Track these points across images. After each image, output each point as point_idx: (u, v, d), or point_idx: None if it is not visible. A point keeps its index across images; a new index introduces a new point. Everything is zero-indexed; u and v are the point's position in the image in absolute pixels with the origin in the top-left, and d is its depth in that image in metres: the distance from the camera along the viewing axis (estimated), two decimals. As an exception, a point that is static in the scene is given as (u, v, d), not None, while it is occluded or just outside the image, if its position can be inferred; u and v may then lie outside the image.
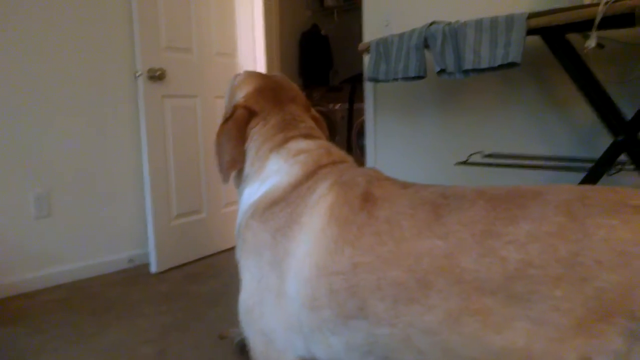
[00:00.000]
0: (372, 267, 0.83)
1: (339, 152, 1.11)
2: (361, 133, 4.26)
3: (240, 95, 1.18)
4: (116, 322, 2.33)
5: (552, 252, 0.74)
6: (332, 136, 5.05)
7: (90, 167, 3.03)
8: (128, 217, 3.21)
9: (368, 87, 3.04)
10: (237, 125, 1.12)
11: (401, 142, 2.96)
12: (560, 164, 2.15)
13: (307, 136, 1.12)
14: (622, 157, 1.81)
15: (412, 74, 2.18)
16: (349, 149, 4.85)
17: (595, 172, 1.82)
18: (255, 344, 0.97)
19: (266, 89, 1.18)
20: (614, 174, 1.90)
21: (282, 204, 0.98)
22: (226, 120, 1.14)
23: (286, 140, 1.10)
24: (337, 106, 5.03)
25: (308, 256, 0.89)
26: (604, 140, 1.81)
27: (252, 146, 1.12)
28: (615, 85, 2.13)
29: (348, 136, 4.87)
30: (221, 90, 3.48)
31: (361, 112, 3.60)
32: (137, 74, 2.96)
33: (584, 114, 1.92)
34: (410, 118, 2.90)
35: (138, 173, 3.20)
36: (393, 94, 2.95)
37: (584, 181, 1.83)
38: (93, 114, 3.01)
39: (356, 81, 4.69)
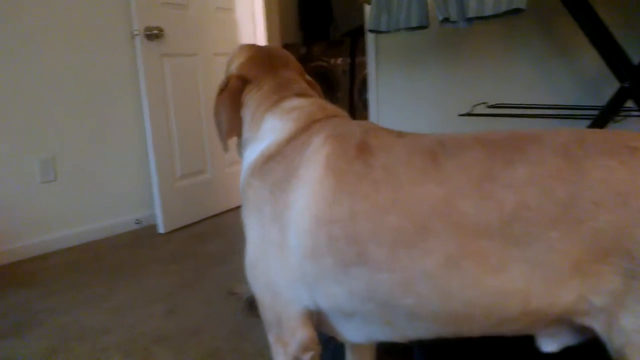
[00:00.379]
0: (370, 214, 0.83)
1: (332, 107, 1.11)
2: (364, 87, 4.21)
3: (234, 67, 1.20)
4: (126, 283, 2.37)
5: (549, 194, 0.74)
6: (333, 91, 5.00)
7: (94, 131, 3.02)
8: (133, 179, 3.22)
9: (370, 39, 2.98)
10: (232, 94, 1.13)
11: (404, 95, 2.92)
12: (566, 113, 2.12)
13: (301, 95, 1.12)
14: (630, 104, 1.79)
15: (414, 24, 2.13)
16: (351, 104, 4.81)
17: (601, 119, 1.80)
18: (263, 297, 0.99)
19: (259, 58, 1.19)
20: (619, 120, 1.87)
21: (278, 158, 0.99)
22: (221, 91, 1.16)
23: (280, 100, 1.10)
24: (339, 60, 4.96)
25: (307, 208, 0.90)
26: (610, 88, 1.78)
27: (248, 112, 1.13)
28: (622, 30, 2.07)
29: (350, 91, 4.81)
30: (221, 47, 3.43)
31: (363, 66, 3.54)
32: (135, 33, 2.90)
33: (590, 61, 1.87)
34: (414, 70, 2.85)
35: (141, 135, 3.19)
36: (395, 45, 2.89)
37: (589, 128, 1.80)
38: (93, 77, 2.97)
39: (357, 34, 4.60)
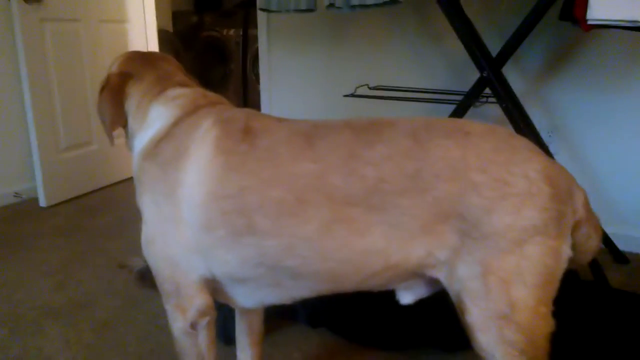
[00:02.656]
0: (256, 189, 0.96)
1: (214, 95, 1.20)
2: (256, 60, 4.25)
3: (114, 68, 1.24)
4: (10, 257, 2.30)
5: (400, 169, 0.91)
6: (226, 63, 4.97)
7: (-37, 98, 2.81)
8: (12, 150, 3.05)
9: (261, 16, 3.04)
10: (112, 89, 1.17)
11: (294, 73, 3.03)
12: (438, 97, 2.36)
13: (182, 85, 1.20)
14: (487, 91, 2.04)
15: (303, 6, 2.25)
16: (244, 77, 4.83)
17: (463, 105, 2.04)
18: (162, 269, 1.06)
19: (137, 56, 1.25)
20: (479, 106, 2.13)
21: (167, 139, 1.07)
22: (102, 88, 1.19)
23: (163, 90, 1.16)
24: (231, 32, 4.92)
25: (198, 184, 0.99)
26: (475, 75, 2.01)
27: (132, 103, 1.17)
28: (484, 22, 2.33)
29: (243, 64, 4.82)
30: (107, 14, 3.30)
31: (256, 38, 3.58)
32: (10, -5, 2.72)
33: (459, 49, 2.10)
34: (303, 49, 2.96)
35: (20, 104, 3.01)
36: (286, 24, 2.98)
37: (453, 113, 2.04)
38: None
39: (250, 6, 4.59)
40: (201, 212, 0.99)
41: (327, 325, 1.70)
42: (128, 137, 1.21)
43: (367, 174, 0.92)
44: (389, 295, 1.09)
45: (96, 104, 1.21)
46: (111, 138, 1.19)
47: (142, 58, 1.24)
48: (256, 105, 3.75)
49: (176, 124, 1.08)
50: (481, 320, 0.92)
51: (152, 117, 1.13)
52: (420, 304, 1.12)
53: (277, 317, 1.70)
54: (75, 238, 2.52)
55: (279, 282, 1.03)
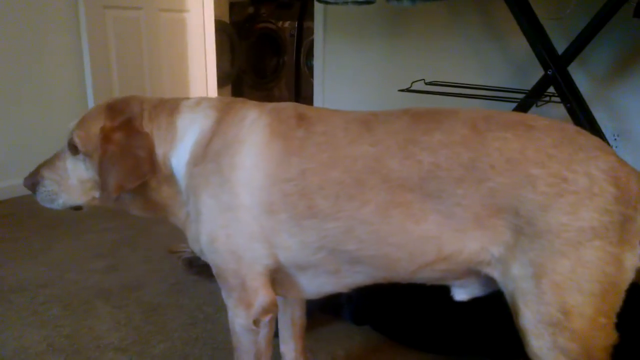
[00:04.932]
0: (316, 171, 0.96)
1: (233, 97, 1.19)
2: (310, 53, 4.24)
3: (96, 124, 1.09)
4: (65, 238, 2.38)
5: (456, 157, 0.89)
6: (279, 55, 4.99)
7: (31, 85, 2.91)
8: (71, 134, 3.15)
9: (318, 8, 3.02)
10: (129, 135, 1.07)
11: (349, 66, 3.00)
12: (496, 94, 2.27)
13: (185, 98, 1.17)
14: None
15: (361, -1, 2.21)
16: (297, 69, 4.82)
17: (524, 103, 1.96)
18: (227, 263, 1.05)
19: (114, 102, 1.14)
20: (541, 105, 2.04)
21: (214, 137, 1.05)
22: (105, 146, 1.06)
23: (178, 103, 1.13)
24: (286, 24, 4.93)
25: (255, 167, 0.99)
26: (538, 73, 1.93)
27: (154, 132, 1.10)
28: (551, 21, 2.23)
29: (297, 56, 4.81)
30: (166, 2, 3.36)
31: (311, 31, 3.57)
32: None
33: (522, 46, 2.02)
34: (359, 42, 2.92)
35: (81, 87, 3.10)
36: (343, 16, 2.95)
37: (514, 111, 1.96)
38: (29, 29, 2.83)
39: (306, -2, 4.58)
40: (261, 195, 0.99)
41: (372, 323, 1.67)
42: (160, 179, 1.11)
43: (423, 159, 0.91)
44: (438, 297, 1.06)
45: (100, 165, 1.07)
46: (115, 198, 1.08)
47: (122, 101, 1.14)
48: (308, 97, 3.74)
49: (218, 122, 1.07)
50: (534, 324, 0.89)
51: (183, 128, 1.09)
52: (470, 307, 1.08)
53: (321, 313, 1.68)
54: (125, 221, 2.57)
55: (337, 269, 1.03)
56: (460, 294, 1.06)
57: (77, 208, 1.21)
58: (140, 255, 2.21)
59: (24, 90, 2.89)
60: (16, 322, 1.70)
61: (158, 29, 3.33)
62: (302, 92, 4.77)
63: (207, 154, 1.05)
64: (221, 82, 4.50)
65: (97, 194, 1.14)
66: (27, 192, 1.22)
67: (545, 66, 1.89)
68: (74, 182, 1.15)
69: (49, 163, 1.18)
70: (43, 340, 1.61)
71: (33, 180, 1.17)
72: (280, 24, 4.96)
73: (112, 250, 2.26)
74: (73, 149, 1.13)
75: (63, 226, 2.51)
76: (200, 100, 1.13)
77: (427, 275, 1.00)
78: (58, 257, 2.19)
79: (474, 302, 1.07)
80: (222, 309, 1.11)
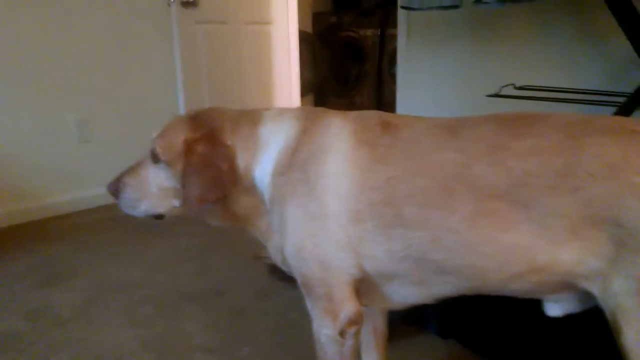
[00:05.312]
0: (403, 179, 0.94)
1: (314, 107, 1.18)
2: (392, 60, 4.20)
3: (178, 139, 1.12)
4: (157, 241, 2.50)
5: (549, 164, 0.84)
6: (362, 63, 4.99)
7: (128, 94, 3.11)
8: (164, 143, 3.32)
9: (401, 14, 2.99)
10: (213, 147, 1.08)
11: (433, 72, 2.94)
12: (592, 98, 2.14)
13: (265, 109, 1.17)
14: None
15: (447, 3, 2.16)
16: (379, 77, 4.81)
17: (626, 107, 1.82)
18: (313, 272, 1.04)
19: (187, 118, 1.16)
20: (646, 109, 1.89)
21: (300, 146, 1.04)
22: (190, 157, 1.08)
23: (260, 114, 1.13)
24: (368, 32, 4.93)
25: (342, 175, 0.99)
26: (638, 75, 1.79)
27: (237, 143, 1.11)
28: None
29: (379, 63, 4.80)
30: (251, 16, 3.48)
31: (393, 38, 3.54)
32: (171, 0, 2.96)
33: (619, 47, 1.88)
34: (443, 47, 2.86)
35: (173, 98, 3.27)
36: (426, 22, 2.90)
37: (614, 115, 1.83)
38: (127, 41, 3.04)
39: (389, 5, 4.56)
40: (348, 203, 0.98)
41: (458, 337, 1.61)
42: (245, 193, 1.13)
43: (513, 165, 0.86)
44: (529, 311, 1.00)
45: (183, 177, 1.09)
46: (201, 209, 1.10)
47: (196, 117, 1.15)
48: (391, 105, 3.71)
49: (303, 131, 1.07)
50: (638, 343, 0.82)
51: (266, 138, 1.09)
52: (563, 324, 1.01)
53: (405, 324, 1.65)
54: (212, 227, 2.65)
55: (422, 279, 1.00)
56: (554, 310, 0.99)
57: (159, 217, 1.23)
58: (227, 260, 2.28)
59: (121, 103, 3.08)
60: (114, 321, 1.80)
61: (244, 42, 3.45)
62: (384, 99, 4.74)
63: (292, 163, 1.05)
64: (304, 91, 4.58)
65: (177, 202, 1.17)
66: (122, 198, 1.27)
67: (649, 67, 1.75)
68: (154, 190, 1.19)
69: (131, 171, 1.23)
70: (137, 339, 1.70)
71: (116, 187, 1.23)
72: (362, 32, 4.97)
73: (200, 254, 2.35)
74: (155, 157, 1.17)
75: (155, 230, 2.64)
76: (282, 111, 1.14)
77: (519, 287, 0.94)
78: (152, 259, 2.30)
79: (568, 318, 1.00)
80: (306, 315, 1.11)
